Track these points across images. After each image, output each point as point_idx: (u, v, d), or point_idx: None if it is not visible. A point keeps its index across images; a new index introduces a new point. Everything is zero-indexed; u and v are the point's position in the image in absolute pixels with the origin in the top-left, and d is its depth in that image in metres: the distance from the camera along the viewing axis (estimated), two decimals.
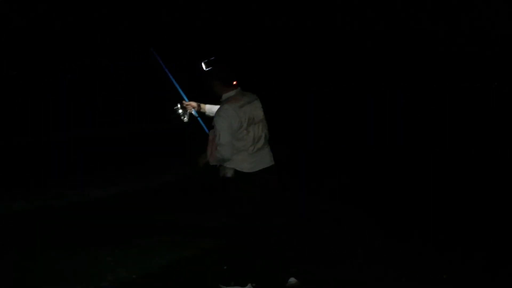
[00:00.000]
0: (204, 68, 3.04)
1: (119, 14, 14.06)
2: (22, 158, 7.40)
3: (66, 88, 12.57)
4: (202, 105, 3.49)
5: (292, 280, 3.14)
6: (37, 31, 13.39)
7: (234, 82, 3.09)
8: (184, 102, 3.40)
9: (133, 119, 11.32)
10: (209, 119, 3.29)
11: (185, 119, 3.38)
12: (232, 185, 3.05)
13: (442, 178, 6.24)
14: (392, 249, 3.90)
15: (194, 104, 3.41)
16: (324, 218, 4.72)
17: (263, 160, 3.09)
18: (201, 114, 3.52)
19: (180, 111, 3.36)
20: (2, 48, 12.70)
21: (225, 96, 3.09)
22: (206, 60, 3.05)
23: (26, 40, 13.33)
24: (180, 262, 3.63)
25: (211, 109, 3.42)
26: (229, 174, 3.02)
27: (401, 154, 7.78)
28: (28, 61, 13.35)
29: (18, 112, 10.80)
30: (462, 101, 15.60)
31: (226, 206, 3.20)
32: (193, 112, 3.46)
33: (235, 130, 2.96)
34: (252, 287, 3.13)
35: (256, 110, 3.10)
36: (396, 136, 9.59)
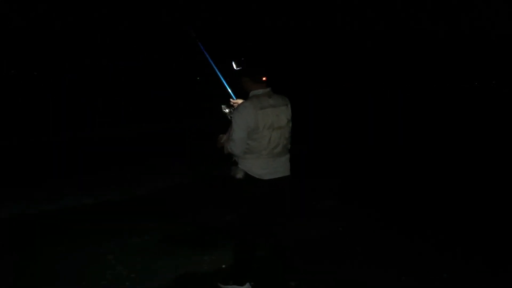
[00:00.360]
0: (235, 67, 3.01)
1: (119, 14, 14.08)
2: (22, 158, 7.40)
3: (66, 88, 12.59)
4: None
5: None
6: (37, 31, 13.41)
7: (264, 78, 3.00)
8: (231, 100, 3.30)
9: (133, 119, 11.33)
10: None
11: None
12: (239, 186, 2.97)
13: (442, 177, 6.24)
14: (392, 249, 3.90)
15: (241, 102, 3.19)
16: (324, 218, 4.72)
17: (277, 169, 2.98)
18: None
19: (227, 110, 3.20)
20: (2, 48, 12.71)
21: (251, 93, 2.98)
22: (236, 60, 3.01)
23: (26, 40, 13.34)
24: (179, 261, 3.63)
25: None
26: (239, 175, 2.95)
27: (401, 154, 7.78)
28: (28, 61, 13.36)
29: (18, 112, 10.81)
30: (461, 101, 15.60)
31: (231, 205, 3.17)
32: None
33: (251, 130, 2.87)
34: (250, 286, 3.12)
35: (279, 115, 2.96)
36: (396, 136, 9.59)
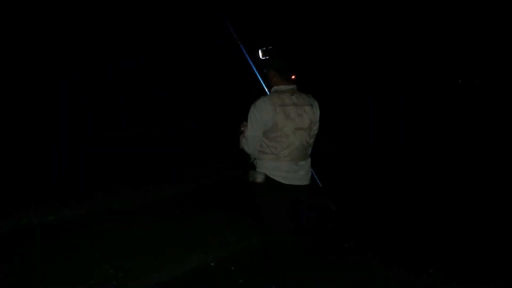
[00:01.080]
0: (260, 57, 2.77)
1: (119, 14, 14.07)
2: (22, 162, 7.38)
3: (66, 88, 12.58)
4: None
5: None
6: (37, 31, 13.40)
7: (293, 77, 2.75)
8: None
9: (133, 120, 11.31)
10: None
11: None
12: (260, 191, 2.73)
13: (442, 177, 6.24)
14: (391, 248, 3.91)
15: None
16: (322, 217, 4.72)
17: (298, 176, 2.74)
18: None
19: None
20: (2, 48, 12.71)
21: (274, 88, 2.74)
22: (264, 48, 2.77)
23: (26, 40, 13.33)
24: (167, 259, 3.61)
25: None
26: (260, 179, 2.71)
27: (401, 154, 7.78)
28: (28, 61, 13.35)
29: (18, 113, 10.80)
30: (461, 100, 15.60)
31: (251, 210, 2.93)
32: None
33: (268, 128, 2.63)
34: None
35: (302, 115, 2.70)
36: (396, 136, 9.60)
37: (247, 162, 2.91)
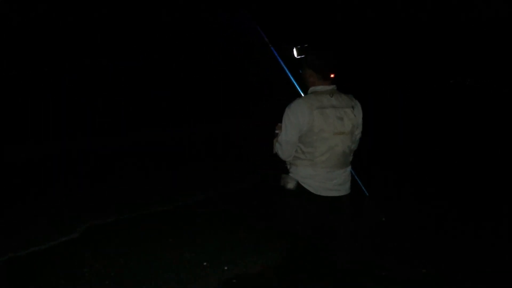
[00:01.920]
0: (296, 56, 2.59)
1: (119, 14, 14.07)
2: (20, 162, 7.36)
3: (66, 88, 12.56)
4: None
5: None
6: (37, 31, 13.39)
7: (332, 75, 2.55)
8: None
9: (134, 120, 11.29)
10: None
11: None
12: (290, 199, 2.54)
13: (441, 177, 6.25)
14: (390, 247, 3.92)
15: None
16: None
17: (336, 185, 2.52)
18: None
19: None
20: (2, 48, 12.70)
21: (311, 89, 2.56)
22: (299, 46, 2.59)
23: (26, 40, 13.33)
24: (160, 258, 3.62)
25: None
26: (291, 186, 2.51)
27: (401, 154, 7.78)
28: (28, 61, 13.34)
29: (18, 113, 10.79)
30: (461, 100, 15.61)
31: (278, 216, 2.77)
32: None
33: (304, 132, 2.44)
34: None
35: (342, 119, 2.48)
36: (396, 136, 9.60)
37: (246, 163, 2.89)
